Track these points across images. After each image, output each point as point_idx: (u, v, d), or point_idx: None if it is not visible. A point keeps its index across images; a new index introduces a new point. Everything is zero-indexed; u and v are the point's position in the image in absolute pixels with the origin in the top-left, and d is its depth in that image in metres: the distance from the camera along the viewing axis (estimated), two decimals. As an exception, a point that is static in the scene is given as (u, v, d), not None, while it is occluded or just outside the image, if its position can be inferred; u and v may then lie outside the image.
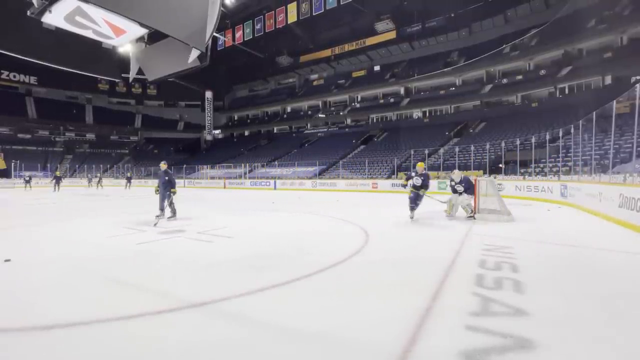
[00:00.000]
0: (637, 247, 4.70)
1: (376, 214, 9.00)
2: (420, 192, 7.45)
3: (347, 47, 39.22)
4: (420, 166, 7.78)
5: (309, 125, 42.76)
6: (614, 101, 8.26)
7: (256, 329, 2.27)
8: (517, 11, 30.29)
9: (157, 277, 3.47)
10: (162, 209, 7.30)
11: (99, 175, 31.12)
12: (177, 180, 8.24)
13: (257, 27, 31.97)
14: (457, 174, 7.87)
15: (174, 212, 7.79)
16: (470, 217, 7.50)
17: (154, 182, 33.36)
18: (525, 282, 3.11)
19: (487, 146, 19.13)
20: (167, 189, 7.55)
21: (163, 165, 7.89)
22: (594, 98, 19.99)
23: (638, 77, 20.70)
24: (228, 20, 33.56)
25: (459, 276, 3.35)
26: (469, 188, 7.69)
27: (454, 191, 7.87)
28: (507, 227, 6.40)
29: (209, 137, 50.46)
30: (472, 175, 8.10)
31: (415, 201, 7.44)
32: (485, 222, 7.00)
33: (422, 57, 36.01)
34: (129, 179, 27.48)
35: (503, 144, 18.62)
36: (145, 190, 25.85)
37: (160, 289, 3.09)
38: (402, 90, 36.67)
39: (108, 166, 41.51)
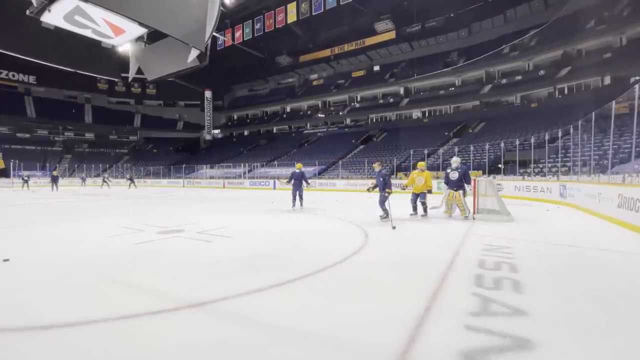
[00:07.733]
0: (636, 247, 4.71)
1: (375, 214, 8.99)
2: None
3: (347, 47, 39.25)
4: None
5: (308, 125, 42.78)
6: (613, 101, 8.26)
7: (256, 329, 2.27)
8: (517, 11, 30.34)
9: (157, 276, 3.46)
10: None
11: (83, 175, 32.92)
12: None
13: (257, 26, 31.97)
14: (455, 160, 7.73)
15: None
16: (466, 217, 7.37)
17: (153, 182, 33.42)
18: (525, 282, 3.12)
19: (487, 146, 19.14)
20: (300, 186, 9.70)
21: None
22: (593, 98, 20.04)
23: (637, 78, 20.74)
24: (227, 19, 33.55)
25: (459, 276, 3.35)
26: (464, 178, 7.50)
27: (447, 180, 7.73)
28: (506, 227, 6.41)
29: (208, 137, 50.45)
30: (471, 175, 8.08)
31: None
32: (485, 222, 7.00)
33: (422, 57, 36.05)
34: (131, 179, 27.50)
35: (502, 144, 18.64)
36: (144, 190, 25.82)
37: (159, 288, 3.08)
38: (401, 90, 36.71)
39: (107, 166, 41.45)
